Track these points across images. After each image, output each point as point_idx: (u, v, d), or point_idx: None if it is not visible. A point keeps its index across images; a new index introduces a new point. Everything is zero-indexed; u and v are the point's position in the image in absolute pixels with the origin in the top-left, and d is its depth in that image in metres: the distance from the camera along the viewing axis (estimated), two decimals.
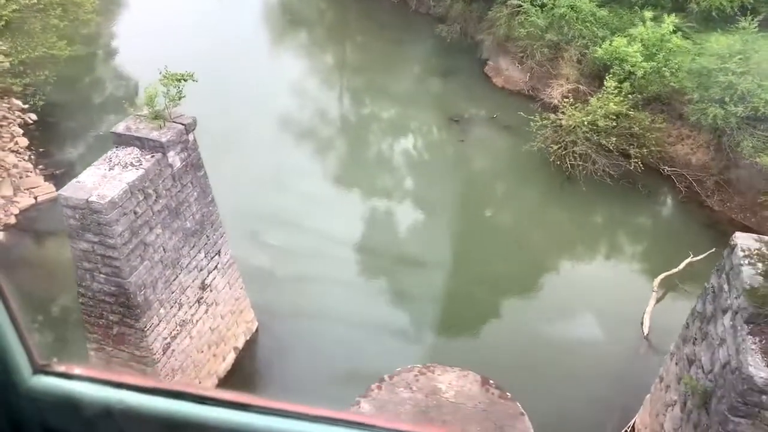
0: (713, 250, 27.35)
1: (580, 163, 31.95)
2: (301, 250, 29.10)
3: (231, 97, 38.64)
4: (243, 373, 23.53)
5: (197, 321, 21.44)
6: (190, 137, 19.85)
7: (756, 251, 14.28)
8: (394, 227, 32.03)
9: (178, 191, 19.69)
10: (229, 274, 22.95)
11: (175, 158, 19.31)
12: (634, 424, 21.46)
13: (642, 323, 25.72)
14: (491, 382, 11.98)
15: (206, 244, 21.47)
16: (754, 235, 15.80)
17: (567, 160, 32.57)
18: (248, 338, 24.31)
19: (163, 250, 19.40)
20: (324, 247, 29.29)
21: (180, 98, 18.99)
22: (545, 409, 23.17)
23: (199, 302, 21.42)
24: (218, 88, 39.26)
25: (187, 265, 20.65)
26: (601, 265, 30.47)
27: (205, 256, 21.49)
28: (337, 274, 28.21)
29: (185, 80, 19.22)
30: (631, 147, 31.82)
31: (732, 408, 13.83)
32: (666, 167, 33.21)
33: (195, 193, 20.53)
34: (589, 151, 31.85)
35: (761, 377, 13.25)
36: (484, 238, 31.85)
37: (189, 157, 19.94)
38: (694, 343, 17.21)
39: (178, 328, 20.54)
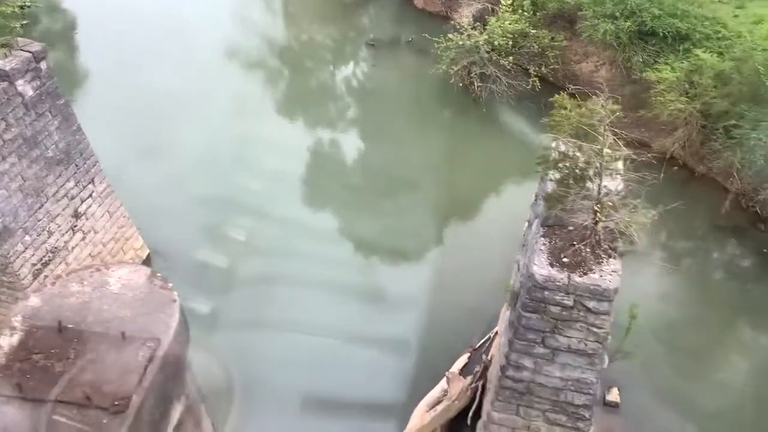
0: None
1: (480, 84, 32.12)
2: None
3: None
4: None
5: (73, 248, 21.98)
6: (42, 65, 19.81)
7: (552, 158, 14.88)
8: (302, 155, 32.29)
9: (34, 120, 19.81)
10: (107, 203, 23.35)
11: (25, 87, 19.34)
12: (497, 331, 22.63)
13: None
14: (158, 275, 12.80)
15: (76, 173, 21.75)
16: (567, 142, 16.28)
17: (471, 82, 32.72)
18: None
19: (22, 179, 19.68)
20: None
21: (22, 25, 18.86)
22: (430, 313, 24.40)
23: (73, 230, 21.90)
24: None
25: (55, 193, 20.99)
26: (498, 186, 31.10)
27: (76, 185, 21.81)
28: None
29: (28, 6, 19.08)
30: (532, 66, 31.97)
31: (524, 304, 14.77)
32: (571, 85, 33.44)
33: (56, 122, 20.66)
34: (491, 72, 31.96)
35: (541, 275, 14.10)
36: (393, 169, 31.90)
37: (43, 85, 19.96)
38: (521, 250, 18.09)
39: (50, 254, 21.09)
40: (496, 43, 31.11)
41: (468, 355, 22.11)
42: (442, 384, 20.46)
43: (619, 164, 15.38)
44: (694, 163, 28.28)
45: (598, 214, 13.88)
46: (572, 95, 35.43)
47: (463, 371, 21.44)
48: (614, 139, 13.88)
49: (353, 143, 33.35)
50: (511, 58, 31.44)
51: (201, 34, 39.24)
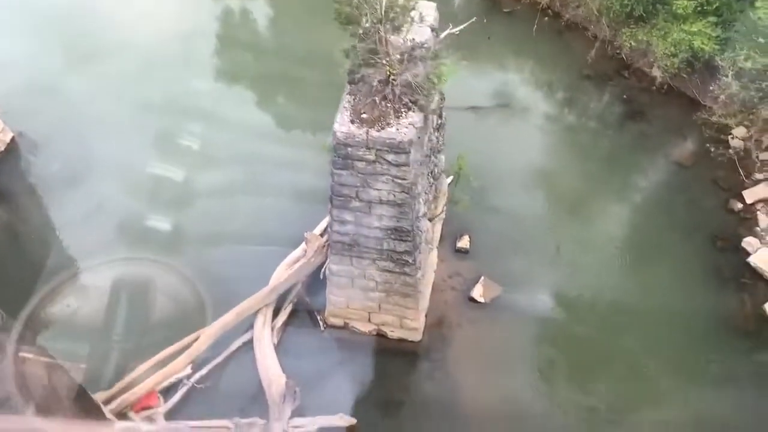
0: (474, 19, 27.66)
1: None
2: None
3: None
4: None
5: None
6: None
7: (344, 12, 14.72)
8: None
9: None
10: None
11: None
12: None
13: None
14: None
15: None
16: None
17: None
18: (2, 149, 24.59)
19: None
20: None
21: None
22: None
23: None
24: None
25: None
26: None
27: None
28: None
29: None
30: None
31: (334, 162, 15.35)
32: None
33: None
34: None
35: (342, 132, 14.53)
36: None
37: None
38: None
39: None
40: None
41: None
42: (303, 245, 21.42)
43: (428, 15, 15.45)
44: (564, 11, 28.22)
45: (389, 69, 14.08)
46: None
47: (325, 232, 22.43)
48: None
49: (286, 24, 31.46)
50: None
51: None
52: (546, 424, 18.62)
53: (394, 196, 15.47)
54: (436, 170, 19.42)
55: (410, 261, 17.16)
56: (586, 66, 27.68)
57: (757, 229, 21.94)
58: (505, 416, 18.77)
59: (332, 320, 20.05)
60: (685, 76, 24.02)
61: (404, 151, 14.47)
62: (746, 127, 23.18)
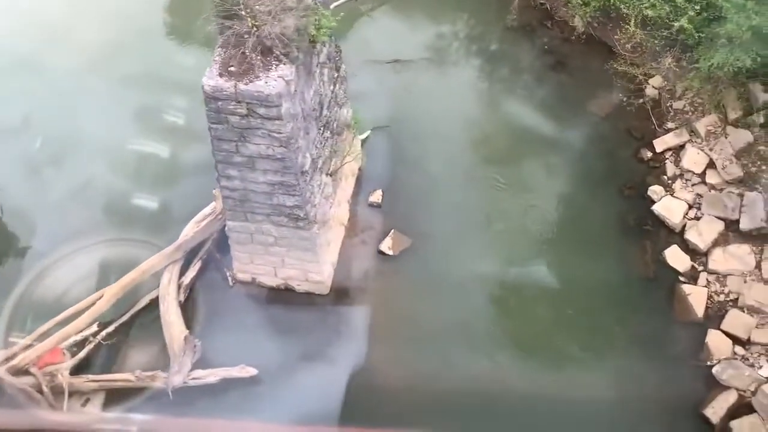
0: None
1: None
2: None
3: None
4: None
5: None
6: None
7: None
8: None
9: None
10: None
11: None
12: None
13: None
14: None
15: None
16: None
17: None
18: None
19: None
20: None
21: None
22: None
23: None
24: None
25: None
26: None
27: None
28: None
29: None
30: None
31: (208, 116, 15.25)
32: None
33: None
34: None
35: (209, 85, 14.40)
36: None
37: None
38: None
39: None
40: None
41: None
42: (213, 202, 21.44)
43: None
44: None
45: (251, 20, 13.90)
46: None
47: None
48: None
49: None
50: None
51: None
52: (450, 372, 19.08)
53: (273, 150, 15.46)
54: (335, 125, 19.35)
55: (302, 215, 17.26)
56: (511, 17, 27.41)
57: (665, 177, 22.19)
58: (407, 365, 19.22)
59: (240, 276, 20.23)
60: (597, 25, 23.93)
61: (274, 104, 14.39)
62: (651, 76, 23.25)
